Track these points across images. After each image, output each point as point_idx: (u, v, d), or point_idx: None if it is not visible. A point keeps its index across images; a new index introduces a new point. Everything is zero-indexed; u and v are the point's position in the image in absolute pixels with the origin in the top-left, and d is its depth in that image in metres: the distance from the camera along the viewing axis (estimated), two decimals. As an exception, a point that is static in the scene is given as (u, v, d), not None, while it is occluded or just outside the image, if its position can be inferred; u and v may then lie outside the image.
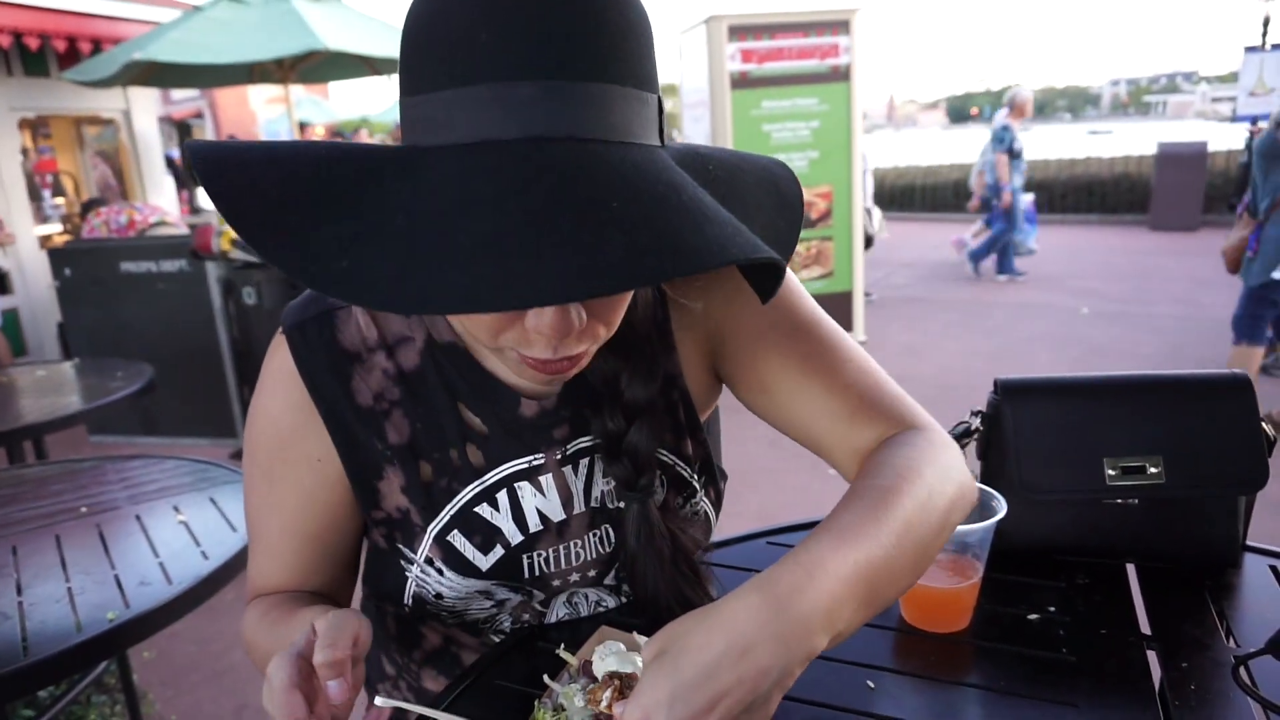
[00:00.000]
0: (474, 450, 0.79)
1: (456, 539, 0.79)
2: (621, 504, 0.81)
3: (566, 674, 0.74)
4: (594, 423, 0.80)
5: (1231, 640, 0.81)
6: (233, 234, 3.64)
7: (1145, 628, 0.84)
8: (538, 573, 0.82)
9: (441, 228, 0.49)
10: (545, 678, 0.73)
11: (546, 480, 0.81)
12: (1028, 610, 0.87)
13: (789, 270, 0.85)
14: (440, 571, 0.80)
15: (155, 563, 1.37)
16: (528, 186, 0.50)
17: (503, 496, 0.80)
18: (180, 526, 1.52)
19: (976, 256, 8.09)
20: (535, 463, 0.80)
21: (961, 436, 0.98)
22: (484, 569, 0.79)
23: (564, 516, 0.81)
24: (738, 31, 4.99)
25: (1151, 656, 0.79)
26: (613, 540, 0.84)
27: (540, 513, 0.81)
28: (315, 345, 0.77)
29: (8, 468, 2.14)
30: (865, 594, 0.60)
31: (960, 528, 0.82)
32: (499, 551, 0.80)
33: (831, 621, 0.58)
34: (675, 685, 0.53)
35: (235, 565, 1.37)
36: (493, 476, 0.79)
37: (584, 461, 0.82)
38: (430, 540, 0.79)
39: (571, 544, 0.82)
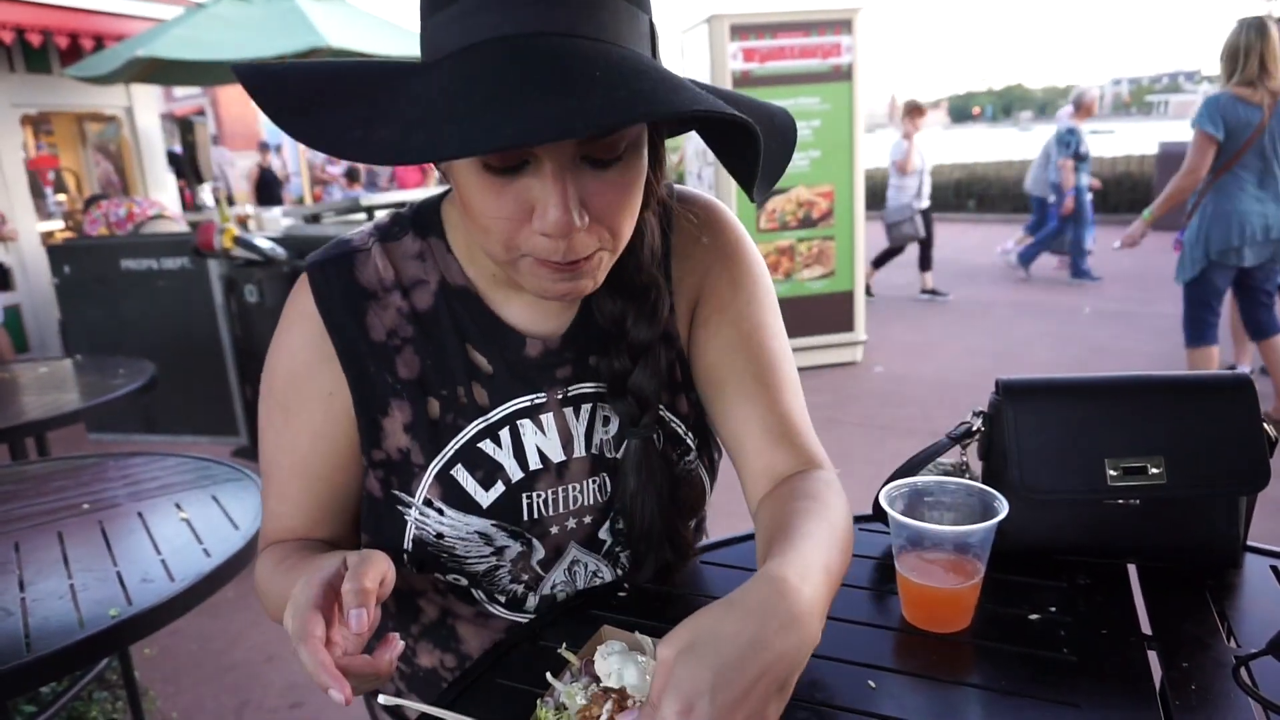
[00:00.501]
0: (479, 389, 0.83)
1: (459, 473, 0.82)
2: (619, 455, 0.85)
3: (568, 673, 0.74)
4: (601, 363, 0.84)
5: (1232, 640, 0.81)
6: (235, 231, 3.63)
7: (1146, 628, 0.84)
8: (536, 515, 0.84)
9: (442, 99, 0.57)
10: (548, 676, 0.73)
11: (547, 419, 0.84)
12: (1029, 610, 0.87)
13: (769, 285, 0.91)
14: (440, 511, 0.82)
15: (157, 559, 1.38)
16: (521, 63, 0.57)
17: (505, 434, 0.83)
18: (182, 524, 1.52)
19: (1027, 258, 8.03)
20: (537, 401, 0.84)
21: (963, 437, 0.99)
22: (485, 505, 0.82)
23: (564, 458, 0.85)
24: (739, 30, 4.99)
25: (1152, 657, 0.79)
26: (609, 489, 0.87)
27: (540, 451, 0.84)
28: (334, 282, 0.82)
29: (10, 464, 2.14)
30: (832, 596, 0.68)
31: (961, 528, 0.83)
32: (500, 488, 0.82)
33: (822, 614, 0.64)
34: (716, 670, 0.55)
35: (237, 563, 1.38)
36: (496, 414, 0.83)
37: (585, 407, 0.85)
38: (431, 478, 0.82)
39: (570, 487, 0.85)
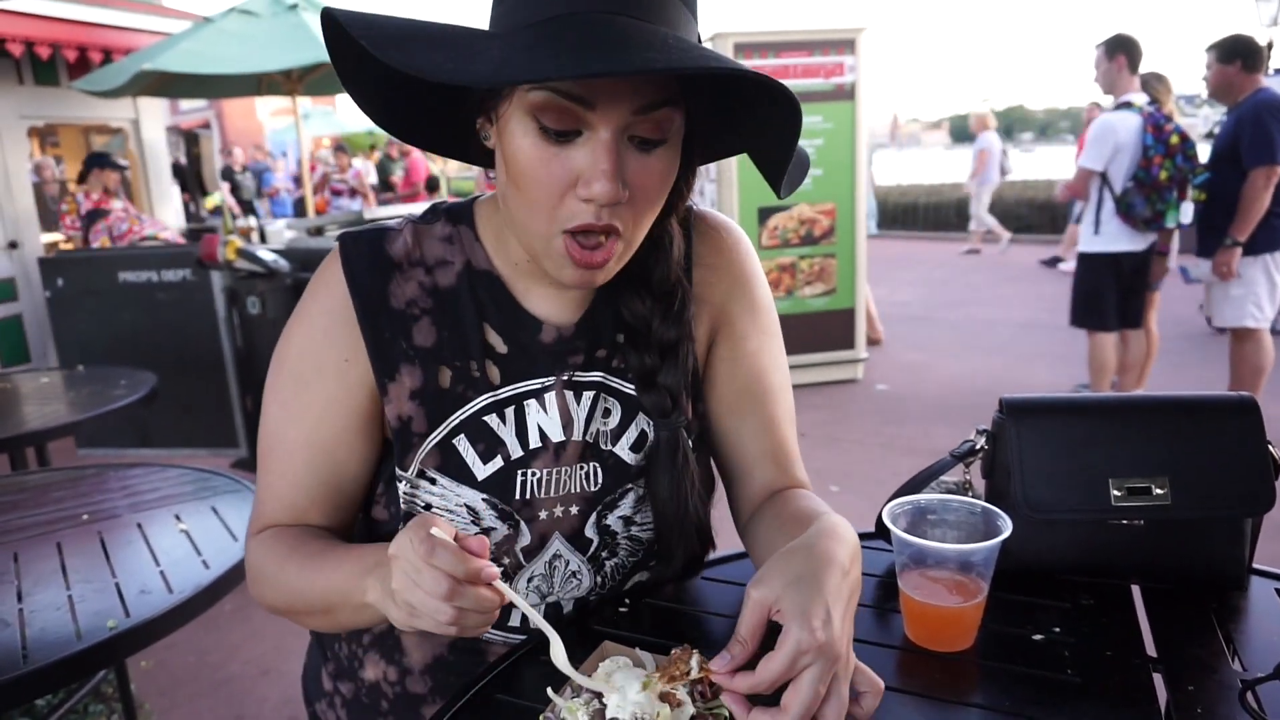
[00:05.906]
0: (492, 366, 0.86)
1: (461, 443, 0.84)
2: (610, 446, 0.88)
3: (569, 688, 0.74)
4: (630, 358, 0.88)
5: (1238, 663, 0.80)
6: (238, 243, 3.65)
7: (1151, 650, 0.83)
8: (528, 495, 0.86)
9: (526, 47, 0.64)
10: (549, 691, 0.73)
11: (551, 398, 0.87)
12: (1032, 630, 0.86)
13: (774, 309, 0.97)
14: (433, 480, 0.84)
15: (156, 571, 1.37)
16: (599, 28, 0.64)
17: (510, 412, 0.86)
18: (181, 535, 1.52)
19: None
20: (546, 384, 0.87)
21: (966, 454, 0.98)
22: (480, 478, 0.84)
23: (563, 438, 0.87)
24: (744, 49, 5.02)
25: (1157, 679, 0.78)
26: (599, 481, 0.88)
27: (541, 430, 0.86)
28: (363, 248, 0.85)
29: (10, 474, 2.14)
30: None
31: (964, 546, 0.83)
32: (498, 463, 0.85)
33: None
34: (827, 593, 0.63)
35: (236, 575, 1.37)
36: (506, 391, 0.86)
37: (588, 394, 0.88)
38: (432, 445, 0.84)
39: (563, 470, 0.87)
